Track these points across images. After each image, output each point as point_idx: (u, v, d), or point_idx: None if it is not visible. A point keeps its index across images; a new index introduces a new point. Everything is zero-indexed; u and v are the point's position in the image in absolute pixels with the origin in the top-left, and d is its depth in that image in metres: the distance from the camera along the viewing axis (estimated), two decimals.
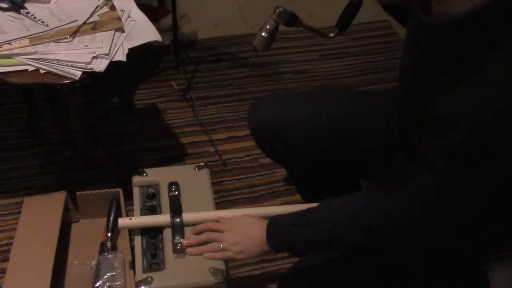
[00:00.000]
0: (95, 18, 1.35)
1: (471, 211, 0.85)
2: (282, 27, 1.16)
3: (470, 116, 0.71)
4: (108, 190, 1.47)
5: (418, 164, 0.83)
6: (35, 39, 1.28)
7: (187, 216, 1.23)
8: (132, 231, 1.32)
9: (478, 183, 0.78)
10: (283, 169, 1.74)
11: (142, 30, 1.35)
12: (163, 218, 1.22)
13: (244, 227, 1.11)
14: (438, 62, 0.78)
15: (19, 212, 1.40)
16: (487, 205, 0.85)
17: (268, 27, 1.14)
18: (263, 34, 1.15)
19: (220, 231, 1.13)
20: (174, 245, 1.17)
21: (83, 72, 1.23)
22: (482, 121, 0.70)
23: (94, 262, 1.39)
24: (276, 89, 2.11)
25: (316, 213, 1.02)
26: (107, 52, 1.26)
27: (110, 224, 1.42)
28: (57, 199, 1.41)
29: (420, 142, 0.85)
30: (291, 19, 1.15)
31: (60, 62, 1.23)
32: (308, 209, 1.04)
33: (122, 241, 1.41)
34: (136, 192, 1.33)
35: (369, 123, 1.18)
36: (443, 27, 0.72)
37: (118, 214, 1.43)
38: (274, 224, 1.06)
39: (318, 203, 1.04)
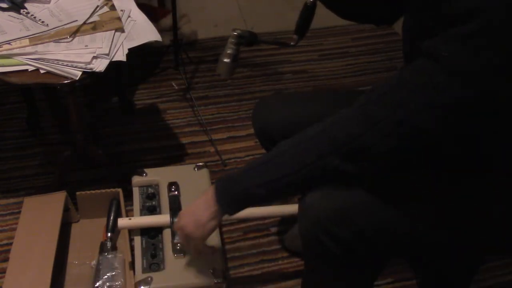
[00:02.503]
0: (95, 18, 1.35)
1: (478, 109, 0.77)
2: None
3: (489, 2, 0.68)
4: (108, 190, 1.47)
5: (421, 59, 0.77)
6: (35, 39, 1.28)
7: None
8: (131, 231, 1.32)
9: (487, 73, 0.72)
10: None
11: (142, 30, 1.35)
12: (163, 218, 1.23)
13: (190, 205, 1.00)
14: None
15: (19, 212, 1.41)
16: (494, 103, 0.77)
17: (229, 52, 1.09)
18: (225, 60, 1.09)
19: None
20: (174, 245, 1.17)
21: (83, 72, 1.23)
22: (502, 5, 0.68)
23: (94, 262, 1.39)
24: (276, 89, 2.12)
25: (276, 148, 0.91)
26: (107, 52, 1.26)
27: (110, 224, 1.42)
28: (57, 199, 1.41)
29: (428, 43, 0.77)
30: (251, 39, 1.10)
31: (60, 62, 1.23)
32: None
33: (122, 241, 1.41)
34: (135, 192, 1.33)
35: None
36: None
37: (118, 214, 1.43)
38: (222, 180, 0.94)
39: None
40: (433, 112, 0.77)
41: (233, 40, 1.08)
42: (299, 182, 0.88)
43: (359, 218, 0.92)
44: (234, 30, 1.08)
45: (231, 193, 0.92)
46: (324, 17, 1.21)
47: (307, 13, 1.10)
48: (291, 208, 1.28)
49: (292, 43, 1.12)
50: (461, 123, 0.78)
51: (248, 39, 1.09)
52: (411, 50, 0.93)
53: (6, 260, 1.40)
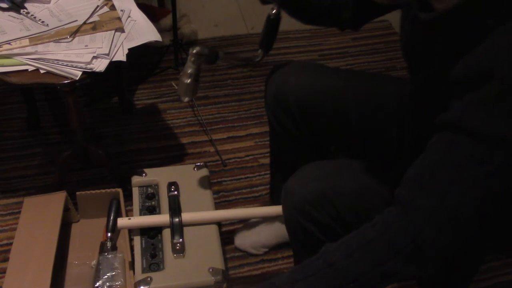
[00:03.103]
0: (95, 18, 1.36)
1: None
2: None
3: (502, 62, 0.65)
4: (108, 190, 1.47)
5: (448, 134, 0.72)
6: (35, 39, 1.28)
7: (186, 216, 1.23)
8: (131, 231, 1.32)
9: None
10: None
11: (142, 30, 1.35)
12: (162, 218, 1.23)
13: None
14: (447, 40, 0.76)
15: (19, 212, 1.41)
16: None
17: (189, 71, 1.01)
18: (186, 81, 1.02)
19: None
20: (174, 245, 1.17)
21: (83, 72, 1.23)
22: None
23: (94, 262, 1.39)
24: None
25: (322, 256, 0.81)
26: (107, 52, 1.26)
27: (110, 224, 1.42)
28: (57, 199, 1.41)
29: (449, 117, 0.73)
30: (212, 57, 1.02)
31: (60, 62, 1.23)
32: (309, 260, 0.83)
33: (122, 241, 1.41)
34: (135, 192, 1.33)
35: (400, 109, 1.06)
36: (441, 17, 0.75)
37: (118, 214, 1.43)
38: None
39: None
40: (483, 187, 0.72)
41: (192, 59, 1.01)
42: None
43: (338, 203, 0.94)
44: (193, 47, 1.00)
45: None
46: None
47: (271, 27, 1.04)
48: None
49: (257, 59, 1.06)
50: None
51: (208, 57, 1.02)
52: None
53: (6, 260, 1.40)
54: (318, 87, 1.14)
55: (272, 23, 1.03)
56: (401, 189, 0.78)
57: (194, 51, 1.00)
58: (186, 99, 1.05)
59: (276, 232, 1.50)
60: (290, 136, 1.25)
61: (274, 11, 1.02)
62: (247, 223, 1.55)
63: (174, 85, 2.10)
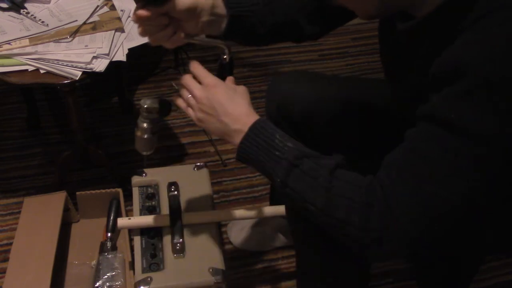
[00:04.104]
0: (95, 18, 1.36)
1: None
2: None
3: (473, 58, 0.68)
4: (108, 190, 1.47)
5: (426, 125, 0.74)
6: (35, 39, 1.28)
7: (186, 216, 1.23)
8: (131, 231, 1.32)
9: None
10: None
11: None
12: (162, 218, 1.22)
13: (222, 108, 0.88)
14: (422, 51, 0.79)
15: (19, 212, 1.41)
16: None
17: (144, 126, 0.99)
18: (143, 136, 1.00)
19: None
20: (174, 245, 1.17)
21: (83, 72, 1.23)
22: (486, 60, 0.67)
23: (94, 262, 1.39)
24: None
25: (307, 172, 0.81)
26: (107, 52, 1.26)
27: (110, 224, 1.42)
28: (57, 199, 1.41)
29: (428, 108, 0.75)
30: (164, 110, 0.99)
31: (60, 62, 1.23)
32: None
33: (122, 241, 1.41)
34: (135, 192, 1.33)
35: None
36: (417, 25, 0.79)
37: (118, 214, 1.43)
38: (262, 134, 0.85)
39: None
40: (458, 180, 0.72)
41: (144, 114, 0.98)
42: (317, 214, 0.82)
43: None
44: (144, 101, 0.97)
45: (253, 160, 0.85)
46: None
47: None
48: None
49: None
50: (492, 175, 0.74)
51: (160, 110, 0.99)
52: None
53: (6, 260, 1.40)
54: (322, 97, 1.16)
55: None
56: (382, 172, 0.79)
57: (145, 106, 0.97)
58: (146, 153, 1.04)
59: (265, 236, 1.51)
60: None
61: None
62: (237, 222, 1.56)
63: (174, 85, 2.10)
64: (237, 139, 0.86)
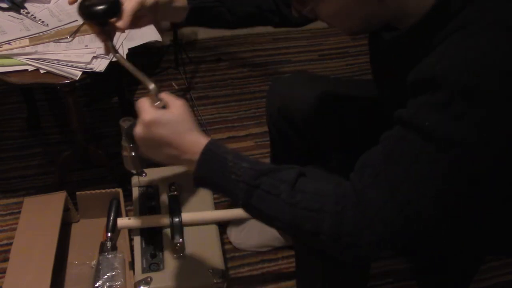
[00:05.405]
0: None
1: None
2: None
3: (448, 69, 0.70)
4: (108, 190, 1.47)
5: (401, 129, 0.75)
6: (35, 39, 1.28)
7: (186, 216, 1.23)
8: (131, 231, 1.32)
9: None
10: None
11: (142, 30, 1.35)
12: (162, 218, 1.22)
13: (167, 143, 0.84)
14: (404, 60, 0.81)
15: (19, 212, 1.40)
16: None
17: (131, 145, 0.97)
18: (128, 154, 0.98)
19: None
20: (174, 245, 1.17)
21: (83, 72, 1.23)
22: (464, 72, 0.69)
23: (94, 262, 1.39)
24: None
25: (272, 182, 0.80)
26: None
27: (110, 224, 1.42)
28: (57, 199, 1.41)
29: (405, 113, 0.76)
30: None
31: (60, 62, 1.23)
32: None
33: (122, 241, 1.41)
34: (135, 192, 1.33)
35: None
36: (400, 37, 0.82)
37: (118, 214, 1.43)
38: (214, 159, 0.83)
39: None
40: (432, 186, 0.74)
41: (124, 134, 0.97)
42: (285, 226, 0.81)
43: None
44: (123, 120, 0.96)
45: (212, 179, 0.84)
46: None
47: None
48: None
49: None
50: (466, 181, 0.75)
51: None
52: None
53: (6, 260, 1.40)
54: (322, 98, 1.16)
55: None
56: (355, 175, 0.78)
57: (126, 126, 0.95)
58: (135, 171, 1.03)
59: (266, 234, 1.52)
60: (293, 148, 1.28)
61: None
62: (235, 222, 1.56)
63: (174, 85, 2.10)
64: (191, 167, 0.85)
